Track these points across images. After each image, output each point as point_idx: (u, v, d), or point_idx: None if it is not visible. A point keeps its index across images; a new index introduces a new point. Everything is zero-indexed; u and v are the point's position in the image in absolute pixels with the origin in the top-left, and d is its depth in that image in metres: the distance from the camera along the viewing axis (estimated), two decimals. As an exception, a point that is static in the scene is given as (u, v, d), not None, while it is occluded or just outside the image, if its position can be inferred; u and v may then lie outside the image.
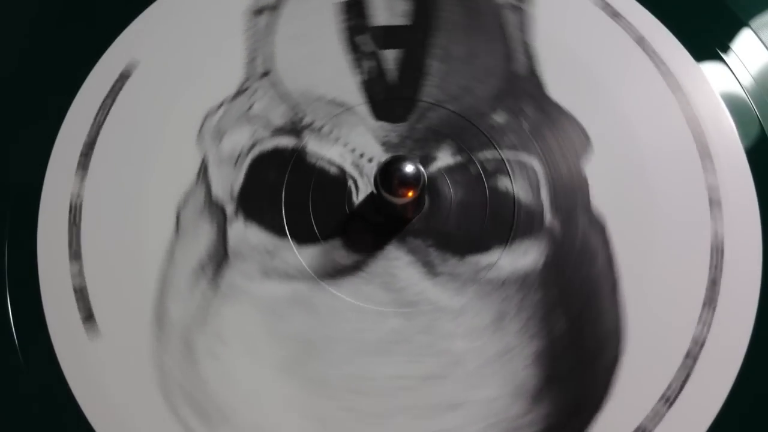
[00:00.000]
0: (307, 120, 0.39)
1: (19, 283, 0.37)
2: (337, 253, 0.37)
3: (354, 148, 0.39)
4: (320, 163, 0.38)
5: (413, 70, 0.40)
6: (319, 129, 0.39)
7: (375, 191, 0.35)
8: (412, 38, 0.41)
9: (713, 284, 0.36)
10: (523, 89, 0.40)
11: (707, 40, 0.42)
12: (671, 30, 0.41)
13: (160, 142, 0.39)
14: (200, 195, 0.38)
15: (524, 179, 0.38)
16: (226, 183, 0.38)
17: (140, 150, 0.39)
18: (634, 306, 0.36)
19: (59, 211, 0.38)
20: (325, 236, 0.37)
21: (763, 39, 0.42)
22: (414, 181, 0.34)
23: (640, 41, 0.41)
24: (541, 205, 0.37)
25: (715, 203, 0.38)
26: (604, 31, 0.41)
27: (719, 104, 0.40)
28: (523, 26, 0.41)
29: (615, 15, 0.42)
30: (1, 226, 0.38)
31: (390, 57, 0.40)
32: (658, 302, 0.36)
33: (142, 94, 0.40)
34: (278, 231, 0.37)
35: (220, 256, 0.36)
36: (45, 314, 0.36)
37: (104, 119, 0.39)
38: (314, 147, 0.39)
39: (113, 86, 0.40)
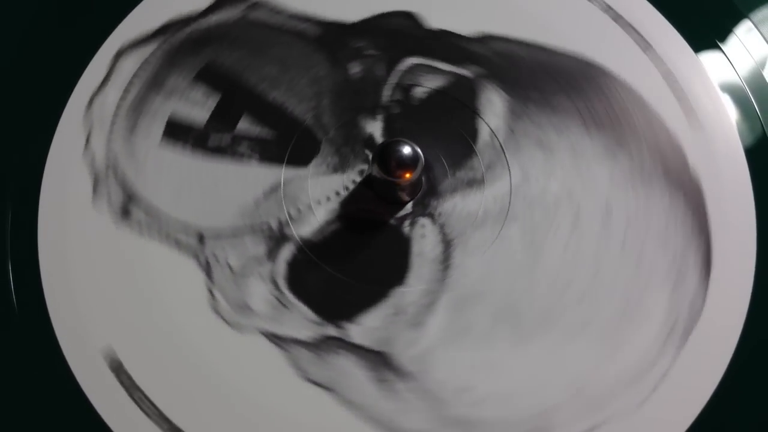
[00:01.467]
0: (274, 224, 0.38)
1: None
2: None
3: (328, 195, 0.39)
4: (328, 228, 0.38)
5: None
6: (290, 217, 0.38)
7: (373, 173, 0.36)
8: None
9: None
10: None
11: (707, 32, 0.42)
12: (670, 21, 0.42)
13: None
14: None
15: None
16: None
17: None
18: None
19: None
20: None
21: (763, 32, 0.42)
22: (411, 162, 0.35)
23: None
24: None
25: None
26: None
27: (717, 96, 0.40)
28: None
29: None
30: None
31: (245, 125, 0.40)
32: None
33: None
34: None
35: None
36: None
37: None
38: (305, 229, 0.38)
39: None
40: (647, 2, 0.42)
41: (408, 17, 0.41)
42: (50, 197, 0.38)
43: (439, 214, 0.38)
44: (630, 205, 0.38)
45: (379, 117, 0.39)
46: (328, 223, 0.38)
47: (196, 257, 0.37)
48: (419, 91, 0.40)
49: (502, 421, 0.34)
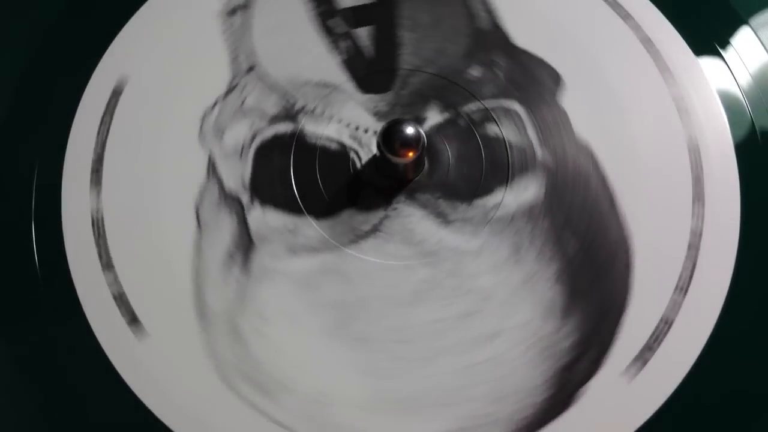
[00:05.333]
0: (299, 104, 0.41)
1: (59, 300, 0.38)
2: (354, 219, 0.39)
3: (348, 123, 0.41)
4: (320, 142, 0.41)
5: (387, 42, 0.43)
6: (312, 111, 0.41)
7: (378, 154, 0.38)
8: (380, 13, 0.43)
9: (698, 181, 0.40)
10: (491, 42, 0.43)
11: (706, 35, 0.43)
12: (671, 22, 0.43)
13: (166, 148, 0.41)
14: (214, 190, 0.40)
15: (510, 123, 0.41)
16: (236, 174, 0.40)
17: (148, 158, 0.40)
18: (632, 214, 0.39)
19: (82, 228, 0.39)
20: (339, 206, 0.40)
21: (762, 38, 0.44)
22: (414, 142, 0.37)
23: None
24: (531, 143, 0.41)
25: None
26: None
27: (714, 98, 0.42)
28: None
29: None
30: (28, 246, 0.40)
31: (363, 34, 0.43)
32: (653, 206, 0.39)
33: (138, 106, 0.41)
34: (295, 210, 0.39)
35: (245, 243, 0.39)
36: (91, 325, 0.38)
37: (106, 136, 0.41)
38: (311, 128, 0.41)
39: (108, 104, 0.41)
40: (651, 3, 0.44)
41: None
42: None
43: None
44: None
45: None
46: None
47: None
48: None
49: None
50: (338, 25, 0.43)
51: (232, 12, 0.44)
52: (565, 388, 0.36)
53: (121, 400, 0.37)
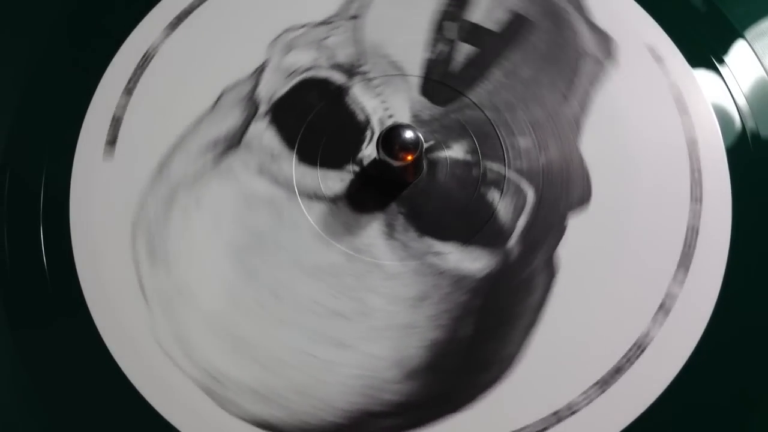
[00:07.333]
0: (364, 68, 0.44)
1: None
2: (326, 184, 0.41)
3: (388, 108, 0.43)
4: (353, 106, 0.43)
5: (476, 69, 0.43)
6: (370, 80, 0.43)
7: (377, 155, 0.39)
8: (492, 44, 0.44)
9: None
10: (559, 131, 0.42)
11: (702, 48, 0.44)
12: (669, 34, 0.44)
13: (238, 36, 0.45)
14: (246, 87, 0.43)
15: (512, 201, 0.41)
16: (272, 88, 0.43)
17: (217, 39, 0.45)
18: (538, 347, 0.38)
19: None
20: (323, 165, 0.42)
21: (756, 49, 0.45)
22: (413, 145, 0.38)
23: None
24: (513, 228, 0.40)
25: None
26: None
27: (709, 109, 0.43)
28: (594, 80, 0.43)
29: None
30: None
31: (463, 50, 0.44)
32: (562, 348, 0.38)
33: None
34: (289, 143, 0.42)
35: (233, 141, 0.42)
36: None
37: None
38: (357, 92, 0.43)
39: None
40: (648, 15, 0.45)
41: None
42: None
43: None
44: None
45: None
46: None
47: None
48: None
49: None
50: (451, 30, 0.44)
51: None
52: (356, 427, 0.37)
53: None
